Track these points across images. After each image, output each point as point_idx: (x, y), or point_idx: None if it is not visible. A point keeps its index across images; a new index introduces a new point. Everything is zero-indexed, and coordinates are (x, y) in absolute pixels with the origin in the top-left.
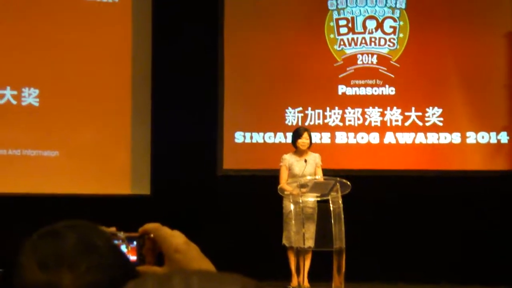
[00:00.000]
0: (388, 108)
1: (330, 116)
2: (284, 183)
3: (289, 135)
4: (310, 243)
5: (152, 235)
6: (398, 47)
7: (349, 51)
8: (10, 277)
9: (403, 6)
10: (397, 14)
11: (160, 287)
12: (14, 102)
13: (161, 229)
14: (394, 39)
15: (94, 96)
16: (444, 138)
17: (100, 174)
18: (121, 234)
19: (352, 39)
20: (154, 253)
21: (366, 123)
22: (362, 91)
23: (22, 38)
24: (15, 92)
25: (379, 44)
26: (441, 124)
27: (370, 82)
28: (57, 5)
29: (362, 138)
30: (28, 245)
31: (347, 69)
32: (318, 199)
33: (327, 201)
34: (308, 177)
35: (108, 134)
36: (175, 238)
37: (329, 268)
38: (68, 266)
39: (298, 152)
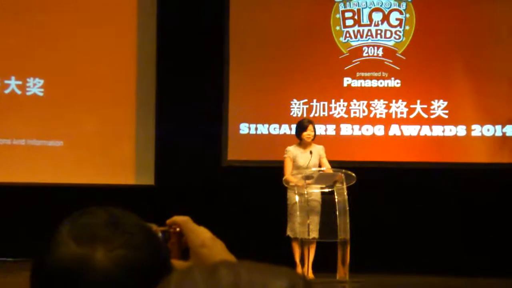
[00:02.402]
0: (393, 100)
1: (335, 108)
2: (289, 175)
3: (294, 127)
4: (314, 234)
5: (178, 229)
6: (404, 39)
7: (354, 43)
8: (44, 256)
9: None
10: (403, 6)
11: (208, 279)
12: (19, 92)
13: (189, 223)
14: (400, 31)
15: (98, 87)
16: (449, 130)
17: (104, 165)
18: (154, 226)
19: (358, 31)
20: (180, 247)
21: (371, 115)
22: (367, 83)
23: (27, 28)
24: (20, 82)
25: (385, 37)
26: (446, 116)
27: (375, 74)
28: None
29: (367, 130)
30: (64, 224)
31: (353, 61)
32: (323, 190)
33: (331, 193)
34: (313, 169)
35: (112, 125)
36: (202, 233)
37: (334, 259)
38: (101, 240)
39: (303, 144)
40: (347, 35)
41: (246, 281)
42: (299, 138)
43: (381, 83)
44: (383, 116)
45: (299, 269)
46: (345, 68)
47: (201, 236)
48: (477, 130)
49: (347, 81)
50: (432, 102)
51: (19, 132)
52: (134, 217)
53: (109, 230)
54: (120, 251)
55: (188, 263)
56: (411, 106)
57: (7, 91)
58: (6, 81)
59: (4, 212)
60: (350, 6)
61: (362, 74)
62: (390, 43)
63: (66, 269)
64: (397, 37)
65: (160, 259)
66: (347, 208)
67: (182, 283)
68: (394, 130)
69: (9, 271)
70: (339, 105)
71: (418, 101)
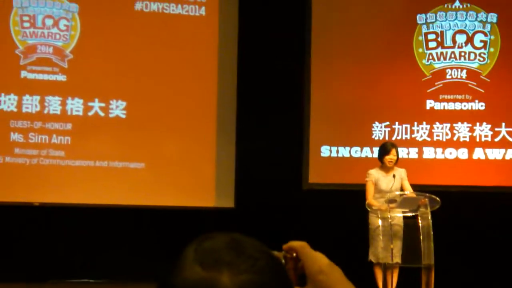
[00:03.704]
0: (478, 123)
1: (417, 131)
2: (372, 199)
3: (376, 149)
4: (397, 259)
5: (295, 254)
6: (488, 61)
7: (438, 65)
8: (169, 280)
9: (494, 20)
10: (488, 28)
11: None
12: (102, 114)
13: (306, 248)
14: (484, 53)
15: (180, 109)
16: None
17: (185, 187)
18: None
19: (441, 53)
20: (296, 273)
21: (455, 139)
22: (450, 106)
23: (111, 51)
24: (103, 104)
25: (469, 59)
26: None
27: (459, 97)
28: (144, 19)
29: (451, 153)
30: (188, 249)
31: (436, 83)
32: (408, 214)
33: (414, 217)
34: (396, 193)
35: (193, 147)
36: (319, 259)
37: (417, 284)
38: (226, 265)
39: (385, 167)
40: (430, 57)
41: None
42: (381, 161)
43: (464, 105)
44: (467, 139)
45: None
46: (428, 91)
47: (319, 262)
48: None
49: (429, 103)
50: None
51: (101, 153)
52: (256, 242)
53: (233, 255)
54: (245, 275)
55: None
56: (496, 129)
57: (90, 113)
58: (90, 103)
59: (86, 233)
60: (433, 28)
61: (445, 96)
62: (474, 65)
63: None
64: (481, 59)
65: (284, 284)
66: (431, 233)
67: None
68: (478, 153)
69: None
70: (422, 128)
71: (503, 124)
